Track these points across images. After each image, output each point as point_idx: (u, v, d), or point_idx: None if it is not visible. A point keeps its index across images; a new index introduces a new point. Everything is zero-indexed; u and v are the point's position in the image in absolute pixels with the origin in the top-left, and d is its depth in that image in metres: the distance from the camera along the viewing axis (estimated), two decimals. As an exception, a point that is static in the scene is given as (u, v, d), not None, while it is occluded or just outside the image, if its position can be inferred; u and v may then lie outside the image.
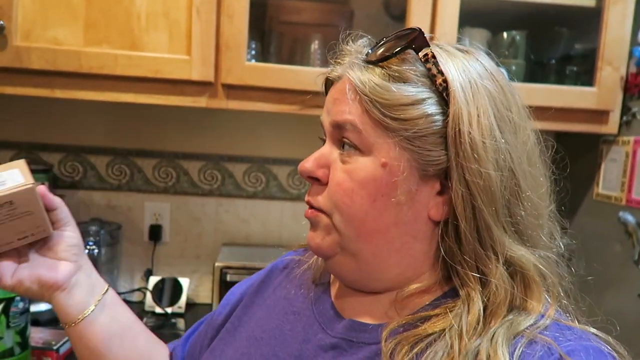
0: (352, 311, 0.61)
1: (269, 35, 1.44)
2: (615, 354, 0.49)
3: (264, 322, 0.67)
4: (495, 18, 1.42)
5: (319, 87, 0.63)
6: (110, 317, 0.72)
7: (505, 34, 1.41)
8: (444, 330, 0.51)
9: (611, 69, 1.32)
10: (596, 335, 0.51)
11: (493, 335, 0.48)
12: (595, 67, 1.34)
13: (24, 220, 0.64)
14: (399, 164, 0.52)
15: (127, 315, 0.76)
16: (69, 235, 0.69)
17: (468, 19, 1.30)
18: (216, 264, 1.48)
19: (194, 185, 1.68)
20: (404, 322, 0.54)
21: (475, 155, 0.50)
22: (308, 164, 0.58)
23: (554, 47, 1.46)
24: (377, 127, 0.53)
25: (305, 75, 1.24)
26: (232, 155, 1.67)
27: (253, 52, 1.35)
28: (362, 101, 0.53)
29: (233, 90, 1.27)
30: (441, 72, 0.52)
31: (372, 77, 0.53)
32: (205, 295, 1.70)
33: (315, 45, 1.38)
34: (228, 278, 1.46)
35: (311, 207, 0.59)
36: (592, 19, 1.34)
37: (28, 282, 0.66)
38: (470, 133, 0.50)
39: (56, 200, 0.68)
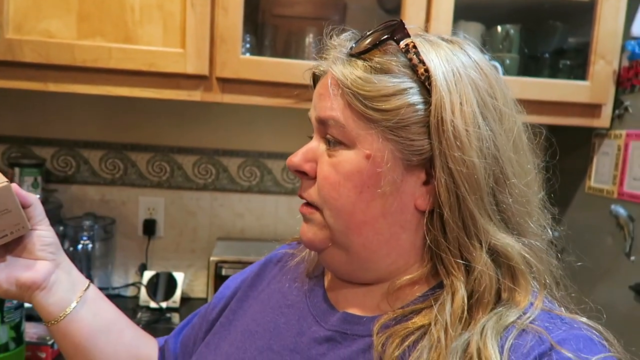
0: (345, 303, 0.61)
1: (264, 29, 1.43)
2: (605, 342, 0.50)
3: (259, 316, 0.67)
4: (490, 12, 1.42)
5: (308, 82, 0.64)
6: (93, 313, 0.72)
7: (499, 28, 1.41)
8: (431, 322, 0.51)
9: (604, 62, 1.33)
10: (586, 323, 0.51)
11: (483, 328, 0.49)
12: (588, 61, 1.35)
13: (2, 219, 0.63)
14: (383, 155, 0.53)
15: (111, 311, 0.75)
16: (44, 234, 0.69)
17: (462, 13, 1.31)
18: (211, 259, 1.48)
19: (189, 179, 1.67)
20: (394, 315, 0.55)
21: (458, 143, 0.50)
22: (296, 158, 0.58)
23: (548, 41, 1.47)
24: (360, 120, 0.53)
25: (301, 69, 1.20)
26: (227, 149, 1.67)
27: (248, 46, 1.35)
28: (345, 94, 0.53)
29: (228, 83, 1.26)
30: (422, 62, 0.52)
31: (354, 70, 0.53)
32: (200, 289, 1.70)
33: (309, 39, 1.38)
34: (223, 272, 1.47)
35: (305, 202, 0.60)
36: (585, 13, 1.35)
37: (6, 284, 0.66)
38: (452, 121, 0.51)
39: (31, 197, 0.67)
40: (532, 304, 0.52)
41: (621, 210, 1.31)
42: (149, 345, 0.79)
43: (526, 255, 0.53)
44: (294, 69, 1.25)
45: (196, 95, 1.26)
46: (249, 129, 1.67)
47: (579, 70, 1.40)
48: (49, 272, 0.68)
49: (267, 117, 1.65)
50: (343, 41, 0.58)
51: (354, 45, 0.56)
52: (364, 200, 0.54)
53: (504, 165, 0.53)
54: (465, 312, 0.51)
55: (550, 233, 0.58)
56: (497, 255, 0.52)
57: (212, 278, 1.48)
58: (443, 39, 0.56)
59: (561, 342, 0.47)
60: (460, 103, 0.51)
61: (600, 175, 1.44)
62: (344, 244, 0.57)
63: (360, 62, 0.54)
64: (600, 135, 1.43)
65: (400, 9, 1.27)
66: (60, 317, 0.69)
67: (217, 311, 0.74)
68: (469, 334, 0.49)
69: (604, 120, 1.38)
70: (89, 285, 0.73)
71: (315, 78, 0.61)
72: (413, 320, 0.53)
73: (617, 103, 1.37)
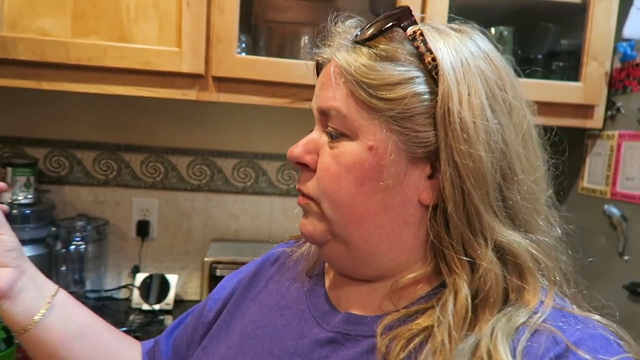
0: (347, 303, 0.59)
1: (259, 30, 1.43)
2: (621, 342, 0.48)
3: (257, 318, 0.65)
4: (483, 14, 1.42)
5: (310, 72, 0.61)
6: (64, 319, 0.68)
7: (493, 30, 1.42)
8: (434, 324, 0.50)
9: (596, 64, 1.35)
10: (600, 322, 0.50)
11: (492, 330, 0.47)
12: (580, 62, 1.36)
13: None
14: (386, 147, 0.51)
15: (85, 315, 0.72)
16: (6, 239, 0.65)
17: (457, 15, 1.31)
18: (205, 259, 1.47)
19: (183, 180, 1.66)
20: (398, 316, 0.53)
21: (465, 136, 0.49)
22: (297, 149, 0.57)
23: (541, 43, 1.48)
24: (363, 110, 0.52)
25: (297, 68, 1.24)
26: (222, 150, 1.67)
27: (243, 46, 1.35)
28: (348, 83, 0.52)
29: (224, 83, 1.26)
30: (430, 51, 0.51)
31: (358, 58, 0.52)
32: (193, 291, 1.69)
33: (304, 40, 1.38)
34: (218, 273, 1.46)
35: (302, 194, 0.58)
36: (577, 15, 1.37)
37: None
38: (460, 112, 0.49)
39: None
40: (542, 302, 0.50)
41: (614, 210, 1.32)
42: (131, 348, 0.76)
43: (534, 252, 0.51)
44: (290, 69, 1.24)
45: (191, 95, 1.26)
46: (243, 129, 1.66)
47: (572, 72, 1.41)
48: (14, 279, 0.64)
49: (262, 117, 1.65)
50: (348, 28, 0.57)
51: (359, 33, 0.55)
52: (365, 193, 0.53)
53: (511, 161, 0.51)
54: (470, 312, 0.48)
55: (559, 230, 0.55)
56: (503, 253, 0.50)
57: (206, 279, 1.48)
58: (452, 28, 0.55)
59: (577, 343, 0.45)
60: (468, 94, 0.49)
61: (593, 175, 1.45)
62: (344, 237, 0.55)
63: (365, 50, 0.52)
64: (593, 136, 1.45)
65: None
66: (29, 326, 0.65)
67: (213, 313, 0.72)
68: (476, 336, 0.47)
69: (596, 121, 1.39)
70: (57, 290, 0.69)
71: (319, 68, 0.59)
72: (417, 322, 0.51)
73: (610, 104, 1.39)
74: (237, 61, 1.24)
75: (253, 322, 0.65)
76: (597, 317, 0.50)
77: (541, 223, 0.53)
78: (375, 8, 1.45)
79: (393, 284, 0.55)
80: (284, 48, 1.43)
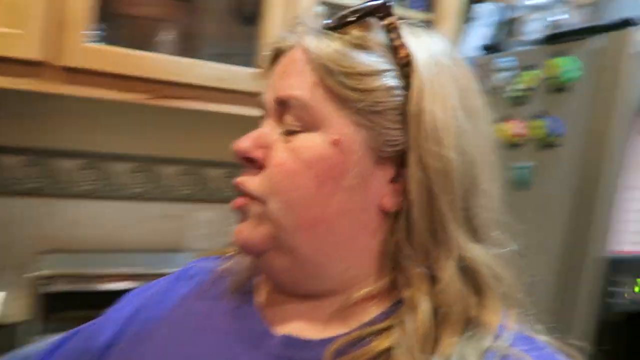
0: (284, 322, 0.53)
1: (115, 21, 1.33)
2: None
3: (172, 342, 0.56)
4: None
5: (268, 57, 0.55)
6: None
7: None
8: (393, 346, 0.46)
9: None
10: (555, 346, 0.48)
11: (462, 356, 0.44)
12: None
13: None
14: (354, 142, 0.48)
15: None
16: None
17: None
18: (30, 275, 1.27)
19: (3, 183, 1.44)
20: (350, 339, 0.48)
21: (436, 136, 0.46)
22: (245, 143, 0.51)
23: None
24: (331, 100, 0.48)
25: (158, 62, 1.17)
26: (61, 149, 1.48)
27: (98, 37, 1.23)
28: (316, 69, 0.48)
29: (72, 73, 1.13)
30: (404, 45, 0.49)
31: (330, 43, 0.49)
32: (15, 313, 1.45)
33: (165, 36, 1.32)
34: (50, 289, 1.27)
35: (240, 193, 0.52)
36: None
37: None
38: (432, 112, 0.47)
39: None
40: (503, 324, 0.47)
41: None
42: None
43: (496, 269, 0.49)
44: (149, 62, 1.17)
45: (31, 84, 1.11)
46: (90, 127, 1.50)
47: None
48: None
49: (111, 114, 1.50)
50: (316, 15, 0.55)
51: (329, 20, 0.51)
52: (323, 194, 0.48)
53: (479, 167, 0.49)
54: (432, 329, 0.45)
55: (516, 245, 0.53)
56: (464, 267, 0.47)
57: (33, 298, 1.29)
58: (420, 28, 0.53)
59: None
60: (441, 94, 0.48)
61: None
62: (290, 245, 0.49)
63: (336, 36, 0.49)
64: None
65: (257, 17, 1.28)
66: None
67: (112, 334, 0.62)
68: (441, 359, 0.44)
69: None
70: None
71: (275, 57, 0.54)
72: (372, 344, 0.46)
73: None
74: (89, 50, 1.12)
75: (165, 347, 0.56)
76: (550, 340, 0.49)
77: (501, 236, 0.52)
78: (235, 9, 1.45)
79: (344, 300, 0.50)
80: (142, 42, 1.34)
